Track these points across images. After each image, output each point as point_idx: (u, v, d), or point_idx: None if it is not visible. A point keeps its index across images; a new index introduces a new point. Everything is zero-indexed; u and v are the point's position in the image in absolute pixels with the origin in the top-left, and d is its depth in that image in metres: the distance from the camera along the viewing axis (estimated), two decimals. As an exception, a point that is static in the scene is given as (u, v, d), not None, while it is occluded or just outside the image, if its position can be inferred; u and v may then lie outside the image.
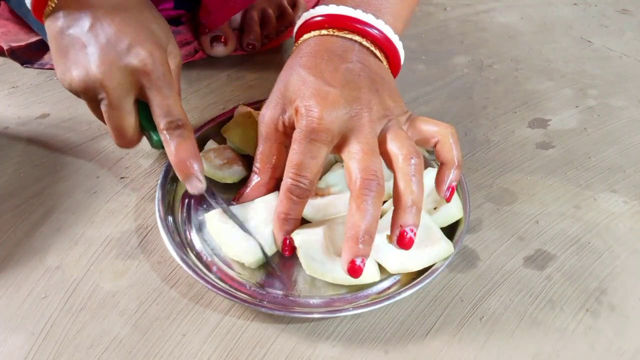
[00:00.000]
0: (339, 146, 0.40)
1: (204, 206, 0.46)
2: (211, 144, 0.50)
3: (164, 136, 0.41)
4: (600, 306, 0.42)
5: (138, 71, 0.40)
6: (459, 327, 0.40)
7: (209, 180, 0.46)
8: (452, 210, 0.44)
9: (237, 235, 0.42)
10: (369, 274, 0.40)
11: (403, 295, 0.39)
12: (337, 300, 0.40)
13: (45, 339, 0.38)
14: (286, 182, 0.40)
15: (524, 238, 0.46)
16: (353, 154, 0.39)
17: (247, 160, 0.49)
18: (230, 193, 0.47)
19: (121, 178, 0.49)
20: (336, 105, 0.39)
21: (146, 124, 0.42)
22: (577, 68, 0.69)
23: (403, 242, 0.38)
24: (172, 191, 0.46)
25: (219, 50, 0.64)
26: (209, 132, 0.51)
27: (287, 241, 0.41)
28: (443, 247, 0.41)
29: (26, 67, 0.62)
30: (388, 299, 0.39)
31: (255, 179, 0.44)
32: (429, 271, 0.41)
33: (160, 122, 0.41)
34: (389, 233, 0.39)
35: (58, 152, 0.52)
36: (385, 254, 0.41)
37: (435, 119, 0.43)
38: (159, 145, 0.42)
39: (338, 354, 0.38)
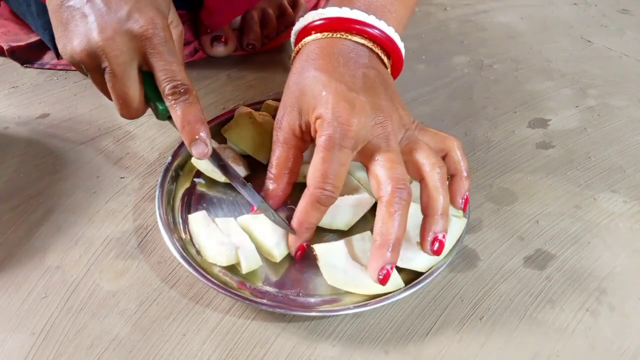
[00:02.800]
0: (363, 153, 0.40)
1: (204, 205, 0.46)
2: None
3: (169, 102, 0.40)
4: (600, 306, 0.42)
5: (139, 37, 0.39)
6: (459, 327, 0.40)
7: (212, 183, 0.46)
8: (452, 211, 0.44)
9: (214, 239, 0.42)
10: (394, 283, 0.40)
11: (403, 295, 0.39)
12: (337, 300, 0.40)
13: (45, 339, 0.38)
14: (314, 191, 0.39)
15: (524, 238, 0.46)
16: (380, 162, 0.39)
17: (247, 160, 0.49)
18: (231, 193, 0.47)
19: (121, 178, 0.49)
20: (364, 112, 0.39)
21: (151, 94, 0.41)
22: (577, 68, 0.69)
23: (436, 247, 0.40)
24: (172, 191, 0.46)
25: (220, 50, 0.63)
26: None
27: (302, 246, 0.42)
28: (456, 223, 0.42)
29: (26, 67, 0.62)
30: (388, 298, 0.39)
31: (271, 186, 0.43)
32: (429, 271, 0.41)
33: (165, 88, 0.40)
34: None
35: (58, 152, 0.52)
36: (410, 258, 0.41)
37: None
38: (164, 116, 0.41)
39: (338, 354, 0.38)
